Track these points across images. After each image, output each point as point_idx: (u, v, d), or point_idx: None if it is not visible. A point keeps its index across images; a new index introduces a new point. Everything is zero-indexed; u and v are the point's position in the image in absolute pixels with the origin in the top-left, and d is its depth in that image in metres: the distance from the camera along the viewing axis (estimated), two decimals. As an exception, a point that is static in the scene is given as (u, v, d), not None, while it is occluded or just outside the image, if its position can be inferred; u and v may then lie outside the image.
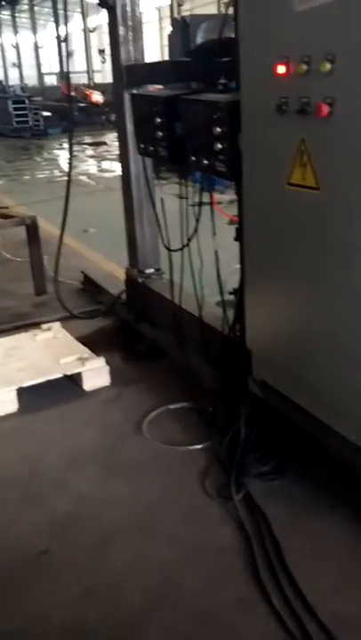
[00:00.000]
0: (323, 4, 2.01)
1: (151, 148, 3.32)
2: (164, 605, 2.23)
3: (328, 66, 2.00)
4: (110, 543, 2.54)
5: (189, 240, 3.47)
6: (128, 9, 3.82)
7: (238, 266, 2.95)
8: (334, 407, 2.44)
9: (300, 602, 2.17)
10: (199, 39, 3.36)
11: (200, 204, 3.30)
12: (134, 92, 3.59)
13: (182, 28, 4.23)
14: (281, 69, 2.20)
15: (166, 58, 5.61)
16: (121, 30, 3.84)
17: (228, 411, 3.14)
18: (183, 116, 2.95)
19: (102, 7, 3.78)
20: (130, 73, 3.88)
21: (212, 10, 24.08)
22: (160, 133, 3.14)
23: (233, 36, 2.55)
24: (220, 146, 2.66)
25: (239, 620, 2.14)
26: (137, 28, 3.87)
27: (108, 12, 3.85)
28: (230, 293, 3.23)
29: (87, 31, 28.91)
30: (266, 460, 2.90)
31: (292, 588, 2.23)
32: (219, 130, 2.63)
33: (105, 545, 2.53)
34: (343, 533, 2.48)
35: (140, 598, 2.26)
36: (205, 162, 2.82)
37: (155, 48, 31.30)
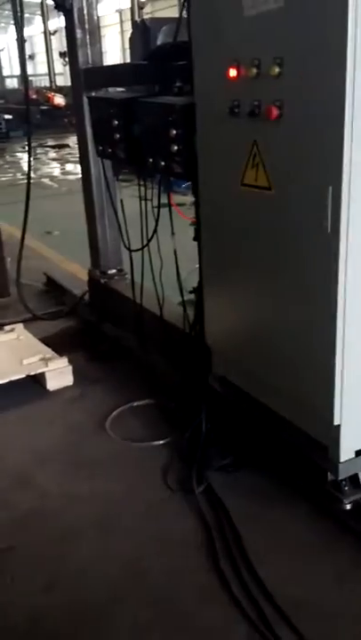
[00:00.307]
0: (271, 10, 2.08)
1: (110, 150, 3.37)
2: (126, 597, 2.28)
3: (277, 69, 2.08)
4: (73, 538, 2.57)
5: (149, 240, 3.52)
6: (85, 12, 3.87)
7: (197, 265, 3.02)
8: (289, 401, 2.51)
9: (258, 588, 2.24)
10: (160, 42, 3.43)
11: (159, 205, 3.36)
12: (93, 94, 3.63)
13: (143, 31, 4.29)
14: (232, 73, 2.28)
15: (128, 61, 5.66)
16: (78, 33, 3.88)
17: (189, 406, 3.20)
18: (140, 118, 3.00)
19: (59, 10, 3.82)
20: (88, 76, 3.92)
21: (173, 13, 24.22)
22: (118, 135, 3.19)
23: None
24: (176, 147, 2.72)
25: (201, 607, 2.21)
26: (94, 32, 3.91)
27: (65, 16, 3.89)
28: (190, 292, 3.30)
29: (48, 34, 28.71)
30: (226, 453, 2.96)
31: (251, 575, 2.30)
32: (174, 132, 2.69)
33: (68, 540, 2.57)
34: (300, 523, 2.57)
35: (103, 591, 2.31)
36: (162, 163, 2.88)
37: (117, 51, 31.29)
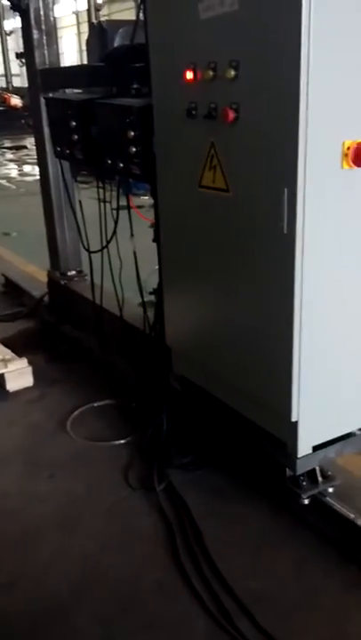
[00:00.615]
0: (226, 13, 2.11)
1: (67, 152, 3.36)
2: (88, 594, 2.29)
3: (233, 72, 2.11)
4: (35, 538, 2.57)
5: (108, 242, 3.53)
6: (41, 13, 3.85)
7: (157, 267, 3.04)
8: (248, 399, 2.55)
9: (218, 581, 2.28)
10: (117, 44, 3.44)
11: (118, 207, 3.37)
12: (50, 95, 3.62)
13: (100, 33, 4.29)
14: (189, 75, 2.30)
15: (85, 62, 5.65)
16: (35, 34, 3.86)
17: (150, 406, 3.23)
18: (98, 119, 3.01)
19: (15, 11, 3.79)
20: (45, 77, 3.91)
21: (130, 15, 24.21)
22: (76, 137, 3.19)
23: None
24: (134, 149, 2.74)
25: (161, 602, 2.23)
26: (51, 33, 3.90)
27: (22, 16, 3.86)
28: (150, 293, 3.33)
29: (4, 34, 28.30)
30: (187, 451, 3.00)
31: (211, 569, 2.34)
32: (132, 133, 2.71)
33: (30, 539, 2.56)
34: (259, 518, 2.62)
35: (66, 588, 2.31)
36: (121, 165, 2.89)
37: (74, 53, 31.07)
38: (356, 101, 2.03)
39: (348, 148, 2.05)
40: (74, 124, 3.18)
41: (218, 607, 2.18)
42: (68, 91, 3.76)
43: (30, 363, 3.80)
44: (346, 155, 2.05)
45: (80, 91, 3.70)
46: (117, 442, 3.18)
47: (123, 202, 3.38)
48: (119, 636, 2.11)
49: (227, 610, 2.15)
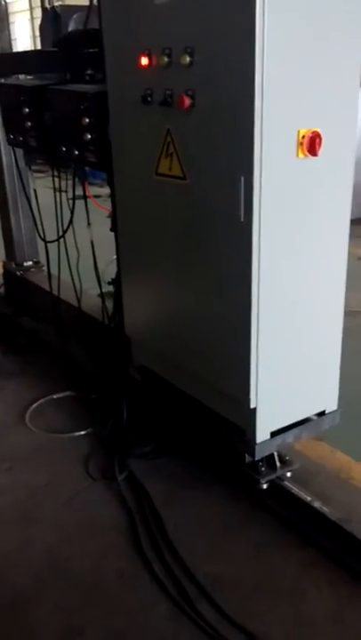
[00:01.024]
0: (180, -3, 2.09)
1: (21, 139, 3.30)
2: (50, 585, 2.28)
3: (188, 58, 2.10)
4: (-5, 530, 2.55)
5: (65, 231, 3.49)
6: (-7, -3, 3.76)
7: (115, 256, 3.02)
8: (207, 387, 2.56)
9: (179, 567, 2.30)
10: (71, 30, 3.38)
11: (74, 195, 3.34)
12: (2, 81, 3.54)
13: (53, 18, 4.20)
14: (144, 61, 2.28)
15: (39, 48, 5.53)
16: (-14, 19, 3.77)
17: (110, 397, 3.22)
18: (52, 106, 2.96)
19: (-35, -6, 3.69)
20: (-3, 62, 3.81)
21: (84, 1, 23.80)
22: (29, 123, 3.13)
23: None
24: (89, 136, 2.70)
25: (123, 589, 2.24)
26: (3, 18, 3.83)
27: (-28, 0, 3.77)
28: (109, 283, 3.30)
29: None
30: (148, 441, 3.01)
31: (172, 555, 2.36)
32: (87, 120, 2.67)
33: (-11, 533, 2.54)
34: (219, 504, 2.65)
35: (27, 580, 2.30)
36: (76, 152, 2.85)
37: (27, 38, 30.42)
38: (311, 90, 2.05)
39: (303, 137, 2.06)
40: (27, 110, 3.12)
41: (179, 592, 2.20)
42: (21, 77, 3.69)
43: (-13, 355, 3.75)
44: (301, 143, 2.07)
45: (33, 77, 3.63)
46: (78, 433, 3.17)
47: (81, 191, 3.34)
48: (81, 625, 2.11)
49: (188, 594, 2.18)
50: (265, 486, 2.55)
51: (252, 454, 2.44)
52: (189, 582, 2.23)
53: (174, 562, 2.32)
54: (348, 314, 2.51)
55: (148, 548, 2.40)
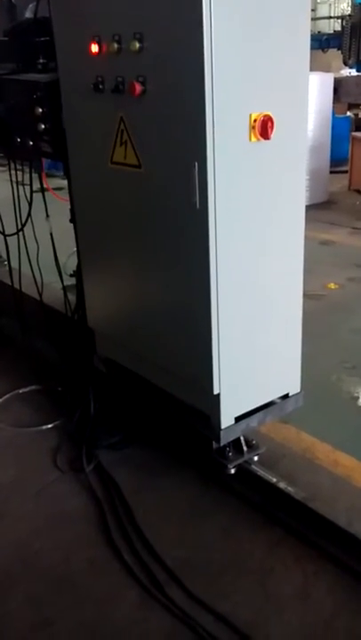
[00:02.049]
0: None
1: (-25, 131, 3.24)
2: (21, 578, 2.28)
3: (137, 45, 2.09)
4: None
5: (24, 225, 3.45)
6: None
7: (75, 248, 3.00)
8: (172, 375, 2.56)
9: (149, 553, 2.31)
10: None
11: (31, 187, 3.29)
12: None
13: (8, 8, 4.13)
14: (94, 48, 2.27)
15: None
16: None
17: (76, 389, 3.21)
18: (4, 96, 2.91)
19: None
20: None
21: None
22: (-18, 115, 3.08)
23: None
24: (43, 126, 2.67)
25: (93, 578, 2.25)
26: None
27: None
28: (71, 275, 3.28)
29: None
30: (115, 431, 3.00)
31: (141, 542, 2.37)
32: (40, 110, 2.64)
33: None
34: (188, 490, 2.67)
35: (-4, 575, 2.30)
36: (31, 143, 2.82)
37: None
38: (261, 73, 2.07)
39: (255, 121, 2.08)
40: (-21, 102, 3.07)
41: (149, 577, 2.22)
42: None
43: None
44: (253, 127, 2.09)
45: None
46: (45, 426, 3.15)
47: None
48: (52, 615, 2.12)
49: (157, 579, 2.20)
50: (233, 471, 2.58)
51: (218, 440, 2.46)
52: (159, 568, 2.25)
53: (143, 549, 2.34)
54: (310, 297, 2.54)
55: (117, 536, 2.41)
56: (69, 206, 2.99)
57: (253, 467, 2.60)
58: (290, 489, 2.45)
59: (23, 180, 3.39)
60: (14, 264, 3.77)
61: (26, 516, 2.57)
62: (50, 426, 3.15)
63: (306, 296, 2.47)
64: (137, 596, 2.16)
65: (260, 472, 2.57)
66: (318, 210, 6.92)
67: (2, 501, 2.67)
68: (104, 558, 2.33)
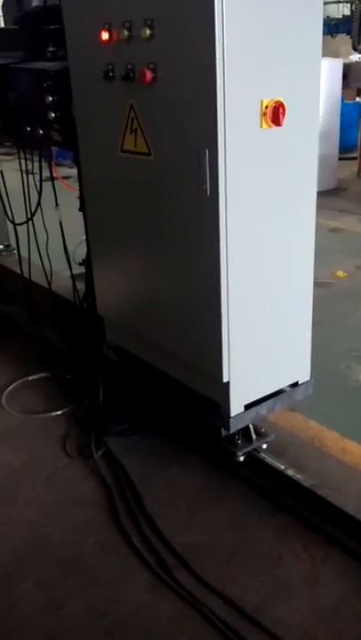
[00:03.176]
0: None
1: (-16, 120, 3.24)
2: (31, 560, 2.31)
3: (148, 31, 2.08)
4: (-25, 510, 2.57)
5: (33, 213, 3.46)
6: None
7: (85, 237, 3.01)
8: (181, 363, 2.57)
9: (158, 538, 2.34)
10: (34, 7, 3.31)
11: (40, 176, 3.30)
12: None
13: (17, -5, 4.13)
14: (105, 36, 2.26)
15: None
16: None
17: (85, 377, 3.23)
18: (14, 85, 2.91)
19: None
20: None
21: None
22: (-8, 104, 3.08)
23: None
24: (53, 115, 2.67)
25: (103, 562, 2.28)
26: None
27: None
28: (80, 264, 3.29)
29: None
30: (124, 418, 3.03)
31: (150, 527, 2.39)
32: (50, 99, 2.64)
33: (-31, 512, 2.56)
34: (196, 477, 2.69)
35: (9, 557, 2.33)
36: (41, 132, 2.82)
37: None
38: (273, 59, 2.05)
39: (267, 107, 2.07)
40: (-11, 90, 3.07)
41: (158, 562, 2.24)
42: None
43: None
44: (264, 114, 2.07)
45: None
46: (54, 413, 3.18)
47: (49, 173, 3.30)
48: (63, 597, 2.15)
49: (166, 563, 2.22)
50: (242, 459, 2.59)
51: (227, 428, 2.46)
52: (168, 552, 2.27)
53: (152, 534, 2.36)
54: (319, 285, 2.54)
55: (126, 521, 2.44)
56: (77, 195, 3.00)
57: (262, 454, 2.62)
58: (298, 476, 2.46)
59: (33, 169, 3.39)
60: (23, 253, 3.78)
61: (37, 501, 2.60)
62: (59, 413, 3.18)
63: (314, 284, 2.47)
64: (146, 579, 2.18)
65: (269, 459, 2.58)
66: (327, 197, 6.88)
67: (13, 486, 2.70)
68: (114, 542, 2.35)
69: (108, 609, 2.10)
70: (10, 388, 3.42)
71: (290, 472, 2.48)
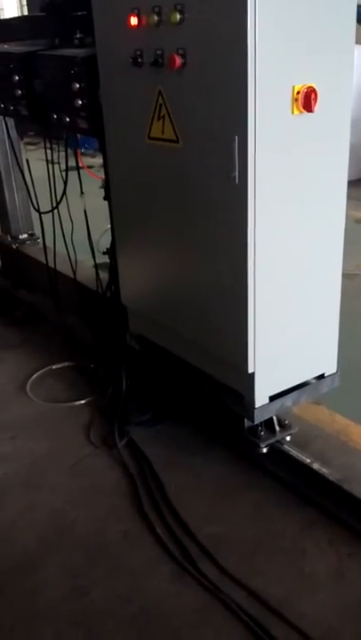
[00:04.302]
0: None
1: (11, 108, 3.23)
2: (56, 547, 2.33)
3: (178, 16, 2.05)
4: (0, 497, 2.58)
5: (59, 202, 3.45)
6: None
7: (109, 226, 3.00)
8: (206, 353, 2.55)
9: (181, 528, 2.34)
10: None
11: (67, 164, 3.29)
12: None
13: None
14: (133, 21, 2.23)
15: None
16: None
17: (109, 366, 3.23)
18: (41, 72, 2.90)
19: None
20: (-16, 30, 3.73)
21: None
22: (19, 92, 3.07)
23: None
24: (80, 102, 2.65)
25: (127, 550, 2.28)
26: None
27: None
28: (103, 253, 3.28)
29: None
30: (147, 408, 3.02)
31: (174, 517, 2.39)
32: (77, 86, 2.62)
33: (-5, 498, 2.58)
34: (219, 468, 2.67)
35: (34, 543, 2.35)
36: (67, 119, 2.81)
37: (14, 8, 29.83)
38: (305, 44, 2.01)
39: (298, 93, 2.03)
40: (17, 78, 3.06)
41: (181, 552, 2.24)
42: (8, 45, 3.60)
43: (-14, 328, 3.76)
44: (296, 100, 2.04)
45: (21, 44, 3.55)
46: (78, 402, 3.19)
47: (73, 163, 3.29)
48: (87, 584, 2.16)
49: (190, 554, 2.22)
50: (265, 450, 2.57)
51: (252, 419, 2.44)
52: (191, 543, 2.27)
53: (176, 524, 2.36)
54: (345, 277, 2.50)
55: (150, 511, 2.44)
56: (100, 185, 2.98)
57: (286, 447, 2.59)
58: (324, 470, 2.43)
59: (57, 158, 3.38)
60: (48, 242, 3.78)
61: (61, 488, 2.62)
62: (82, 402, 3.19)
63: (342, 275, 2.43)
64: (170, 569, 2.18)
65: (294, 452, 2.55)
66: (354, 187, 6.74)
67: (38, 473, 2.72)
68: (137, 531, 2.35)
69: (132, 597, 2.10)
70: (34, 376, 3.43)
71: (315, 466, 2.45)
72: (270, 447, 2.58)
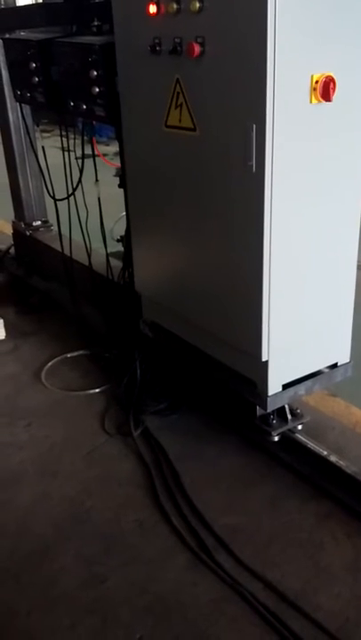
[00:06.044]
0: None
1: (28, 95, 3.23)
2: (72, 534, 2.34)
3: (197, 4, 2.03)
4: (16, 483, 2.61)
5: (75, 189, 3.44)
6: None
7: (124, 213, 2.99)
8: (219, 341, 2.55)
9: (197, 518, 2.34)
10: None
11: (83, 152, 3.28)
12: (7, 36, 3.45)
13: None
14: (152, 9, 2.21)
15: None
16: (-12, -28, 3.66)
17: (123, 354, 3.23)
18: (58, 60, 2.88)
19: None
20: (1, 17, 3.72)
21: None
22: (36, 79, 3.06)
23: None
24: (97, 89, 2.64)
25: (143, 539, 2.30)
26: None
27: None
28: (118, 241, 3.27)
29: None
30: (161, 397, 3.03)
31: (189, 507, 2.40)
32: (95, 73, 2.61)
33: (11, 486, 2.60)
34: (233, 457, 2.68)
35: (50, 530, 2.37)
36: (84, 107, 2.80)
37: (30, -6, 29.60)
38: (324, 33, 1.98)
39: (317, 82, 2.01)
40: (34, 65, 3.05)
41: (197, 542, 2.24)
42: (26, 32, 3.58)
43: (1, 316, 3.75)
44: (314, 89, 2.01)
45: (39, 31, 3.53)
46: (92, 391, 3.20)
47: (87, 151, 3.28)
48: (103, 572, 2.17)
49: (206, 544, 2.22)
50: (276, 438, 2.58)
51: (264, 407, 2.43)
52: (207, 533, 2.27)
53: (191, 514, 2.37)
54: (358, 267, 2.48)
55: (165, 500, 2.44)
56: (113, 173, 2.96)
57: (300, 437, 2.59)
58: (341, 462, 2.43)
59: (70, 146, 3.36)
60: (63, 230, 3.77)
61: (77, 476, 2.63)
62: (97, 390, 3.19)
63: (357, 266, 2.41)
64: (186, 559, 2.19)
65: (310, 444, 2.55)
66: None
67: (55, 460, 2.74)
68: (153, 521, 2.36)
69: (148, 586, 2.11)
70: (49, 364, 3.45)
71: (333, 458, 2.45)
72: (283, 436, 2.58)
